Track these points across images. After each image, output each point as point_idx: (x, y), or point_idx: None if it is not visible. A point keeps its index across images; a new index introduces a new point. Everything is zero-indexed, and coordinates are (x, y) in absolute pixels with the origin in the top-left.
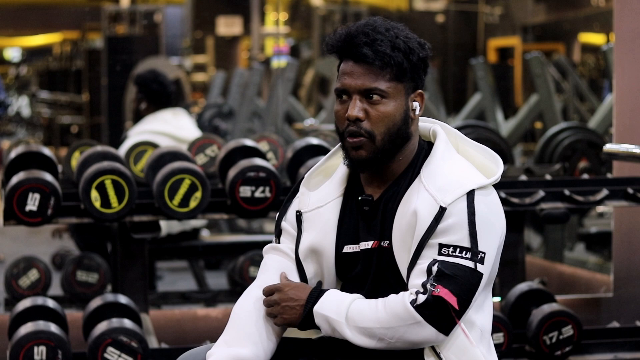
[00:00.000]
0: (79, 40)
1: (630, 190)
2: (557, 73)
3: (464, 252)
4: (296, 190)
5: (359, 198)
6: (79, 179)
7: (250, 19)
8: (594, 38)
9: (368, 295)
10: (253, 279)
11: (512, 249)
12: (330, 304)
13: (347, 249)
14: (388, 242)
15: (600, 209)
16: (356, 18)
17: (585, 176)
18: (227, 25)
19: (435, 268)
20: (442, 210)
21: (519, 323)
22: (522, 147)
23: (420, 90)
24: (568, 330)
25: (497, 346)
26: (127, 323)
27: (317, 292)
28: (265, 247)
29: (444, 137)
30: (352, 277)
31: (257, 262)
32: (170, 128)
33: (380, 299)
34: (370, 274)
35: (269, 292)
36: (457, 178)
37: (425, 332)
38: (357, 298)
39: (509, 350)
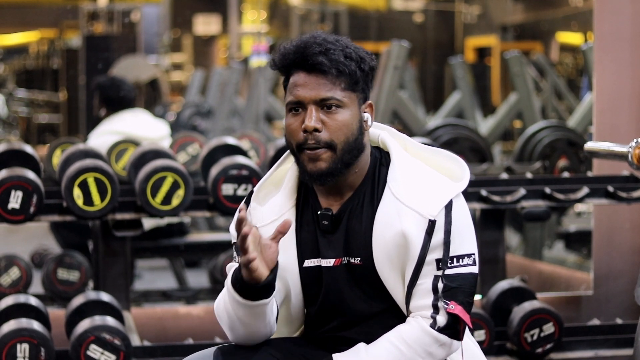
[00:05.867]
0: (57, 39)
1: (610, 189)
2: (536, 72)
3: (459, 260)
4: (247, 204)
5: (319, 212)
6: (61, 176)
7: (228, 17)
8: (571, 38)
9: (346, 312)
10: None
11: (493, 247)
12: None
13: (308, 263)
14: (360, 258)
15: (578, 208)
16: (335, 17)
17: (566, 174)
18: (205, 24)
19: (440, 285)
20: (432, 224)
21: (500, 320)
22: (500, 146)
23: (370, 102)
24: (549, 328)
25: (478, 343)
26: (110, 321)
27: None
28: (229, 267)
29: (398, 145)
30: (316, 292)
31: None
32: (128, 127)
33: (391, 337)
34: (340, 289)
35: None
36: (434, 188)
37: (451, 347)
38: (364, 351)
39: (490, 348)
